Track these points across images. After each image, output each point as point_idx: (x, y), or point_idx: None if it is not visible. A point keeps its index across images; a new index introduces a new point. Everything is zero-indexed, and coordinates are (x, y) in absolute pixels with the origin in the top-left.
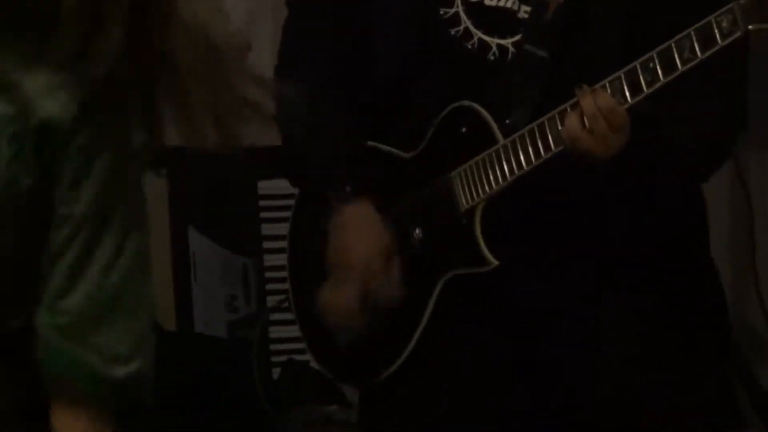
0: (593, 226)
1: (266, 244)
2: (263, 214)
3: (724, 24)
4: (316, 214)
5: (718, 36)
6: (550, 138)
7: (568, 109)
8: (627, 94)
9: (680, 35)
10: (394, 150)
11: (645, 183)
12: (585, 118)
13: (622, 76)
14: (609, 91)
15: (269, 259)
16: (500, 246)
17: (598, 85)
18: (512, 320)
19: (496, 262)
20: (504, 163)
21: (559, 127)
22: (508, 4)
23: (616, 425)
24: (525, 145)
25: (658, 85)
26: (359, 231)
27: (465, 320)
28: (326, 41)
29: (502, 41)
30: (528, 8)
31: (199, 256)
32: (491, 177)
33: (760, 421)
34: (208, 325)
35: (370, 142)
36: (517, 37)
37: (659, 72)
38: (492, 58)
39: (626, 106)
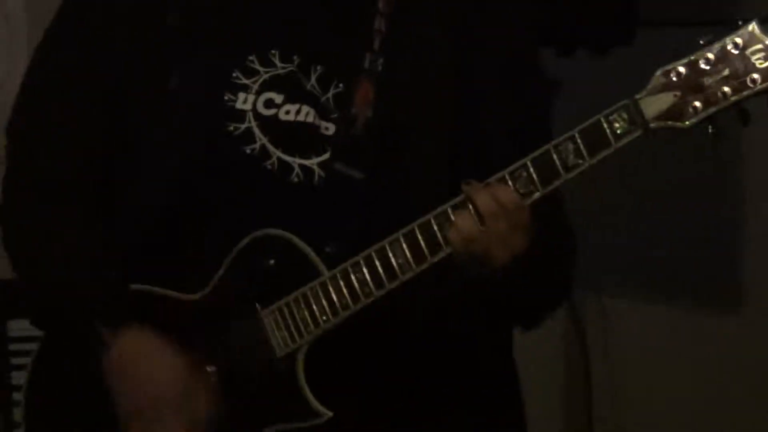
0: (435, 359)
1: (17, 396)
2: (14, 360)
3: (618, 124)
4: (74, 359)
5: (610, 137)
6: (395, 264)
7: (416, 229)
8: (537, 181)
9: (562, 137)
10: (173, 292)
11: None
12: (484, 217)
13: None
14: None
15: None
16: (331, 393)
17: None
18: None
19: (328, 414)
20: (334, 298)
21: (406, 252)
22: (308, 119)
23: None
24: (360, 274)
25: (535, 196)
26: (152, 359)
27: None
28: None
29: (305, 161)
30: (329, 124)
31: None
32: (317, 314)
33: None
34: None
35: (135, 285)
36: (324, 157)
37: (536, 181)
38: (295, 180)
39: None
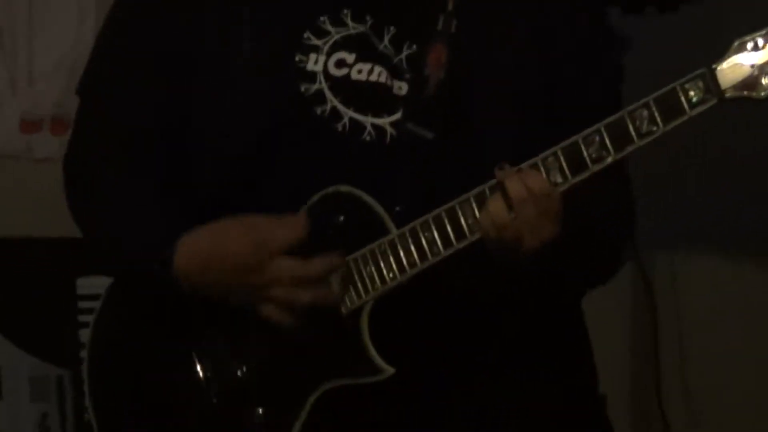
0: (490, 324)
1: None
2: (82, 317)
3: (693, 92)
4: (129, 321)
5: (686, 106)
6: (464, 225)
7: (487, 191)
8: (566, 171)
9: (636, 105)
10: None
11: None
12: (513, 203)
13: (559, 152)
14: (542, 169)
15: None
16: (392, 349)
17: (525, 164)
18: None
19: (391, 370)
20: (402, 256)
21: (476, 213)
22: (381, 79)
23: None
24: (430, 233)
25: (608, 160)
26: (219, 234)
27: None
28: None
29: (377, 120)
30: (402, 83)
31: (5, 367)
32: (384, 272)
33: None
34: None
35: None
36: (396, 116)
37: (609, 146)
38: (368, 138)
39: (565, 185)
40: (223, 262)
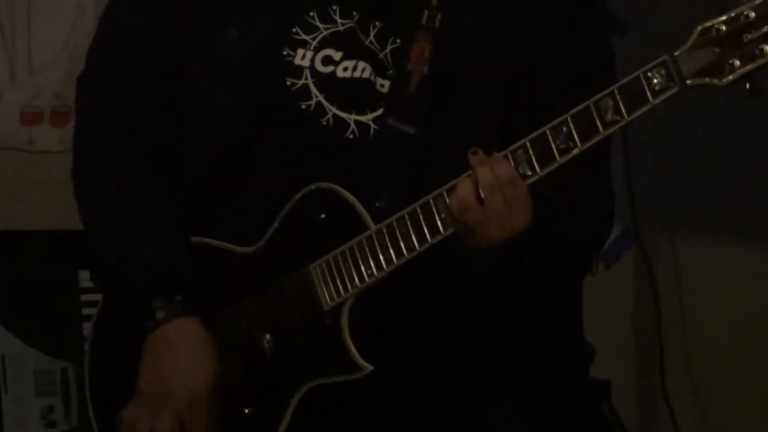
0: (476, 318)
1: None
2: (85, 311)
3: (656, 80)
4: (128, 320)
5: (648, 94)
6: (438, 219)
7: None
8: (535, 163)
9: (601, 94)
10: (229, 245)
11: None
12: (480, 189)
13: (528, 144)
14: (511, 161)
15: None
16: (371, 347)
17: (500, 154)
18: None
19: (369, 368)
20: (379, 252)
21: (447, 202)
22: (365, 75)
23: None
24: (405, 229)
25: (575, 152)
26: (180, 357)
27: None
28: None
29: (360, 117)
30: (386, 81)
31: (9, 360)
32: (362, 269)
33: None
34: None
35: (196, 238)
36: (378, 113)
37: (576, 137)
38: (351, 136)
39: (534, 178)
40: (163, 378)
